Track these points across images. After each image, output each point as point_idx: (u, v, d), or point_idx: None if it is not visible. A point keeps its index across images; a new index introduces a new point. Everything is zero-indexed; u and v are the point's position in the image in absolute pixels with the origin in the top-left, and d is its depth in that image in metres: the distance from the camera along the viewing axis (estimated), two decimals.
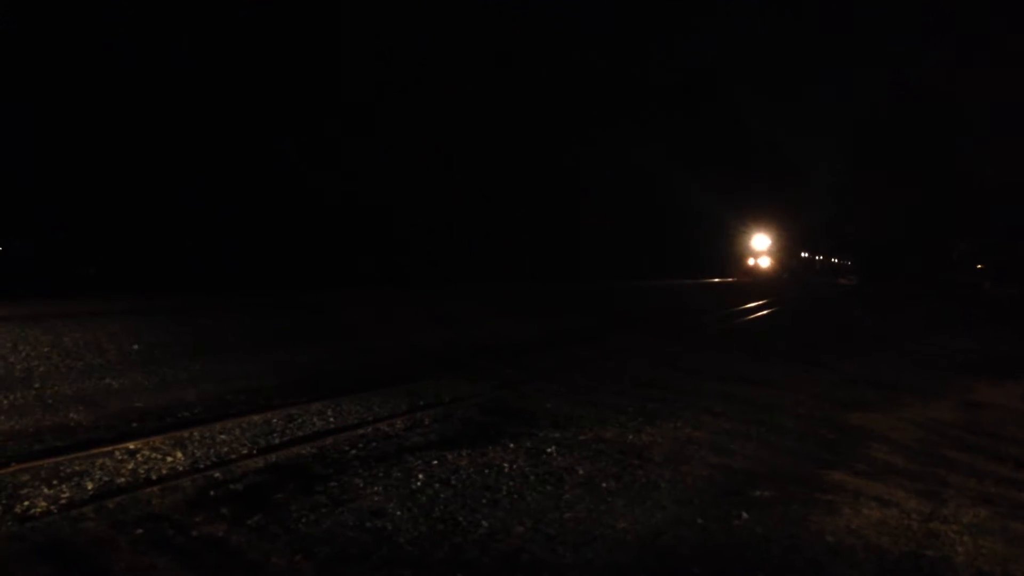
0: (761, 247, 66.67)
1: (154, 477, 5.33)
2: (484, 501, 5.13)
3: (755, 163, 62.87)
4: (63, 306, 12.42)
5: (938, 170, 57.36)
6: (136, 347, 9.86)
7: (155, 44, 21.73)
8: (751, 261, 65.61)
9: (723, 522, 4.99)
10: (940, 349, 16.35)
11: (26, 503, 4.72)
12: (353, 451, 6.14)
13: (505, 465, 5.95)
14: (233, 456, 5.89)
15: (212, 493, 5.04)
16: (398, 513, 4.82)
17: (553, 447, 6.52)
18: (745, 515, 5.13)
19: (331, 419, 7.18)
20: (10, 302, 12.41)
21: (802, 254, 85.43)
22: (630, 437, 7.00)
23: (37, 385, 7.90)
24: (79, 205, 21.48)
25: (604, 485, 5.60)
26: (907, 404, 9.62)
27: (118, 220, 21.91)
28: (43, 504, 4.71)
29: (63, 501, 4.78)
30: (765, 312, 24.09)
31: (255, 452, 6.02)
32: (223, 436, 6.42)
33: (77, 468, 5.42)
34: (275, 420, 7.02)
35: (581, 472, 5.87)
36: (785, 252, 71.56)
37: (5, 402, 7.25)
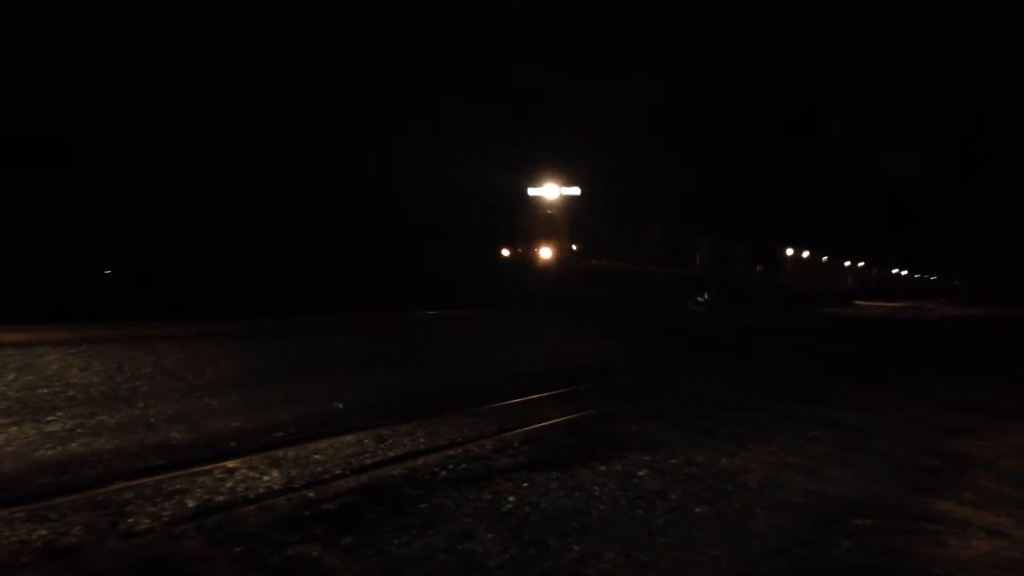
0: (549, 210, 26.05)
1: (251, 496, 5.44)
2: (575, 525, 5.07)
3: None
4: (163, 327, 12.86)
5: None
6: (233, 368, 10.14)
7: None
8: (506, 252, 26.53)
9: (823, 552, 4.82)
10: None
11: (130, 520, 4.87)
12: (443, 472, 6.17)
13: (595, 488, 5.88)
14: (326, 476, 5.98)
15: (306, 513, 5.12)
16: (488, 536, 4.80)
17: (644, 471, 6.42)
18: (846, 544, 4.94)
19: (421, 440, 7.23)
20: (115, 323, 12.90)
21: (788, 252, 46.68)
22: (723, 462, 6.85)
23: (141, 404, 8.18)
24: (175, 232, 22.47)
25: (697, 510, 5.48)
26: (1015, 430, 9.15)
27: (213, 246, 22.78)
28: (146, 521, 4.86)
29: (165, 518, 4.92)
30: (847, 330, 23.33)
31: (347, 472, 6.10)
32: (317, 456, 6.53)
33: (178, 486, 5.58)
34: (366, 440, 7.11)
35: (673, 497, 5.76)
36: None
37: (111, 421, 7.53)
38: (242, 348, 11.44)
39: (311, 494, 5.51)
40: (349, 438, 7.18)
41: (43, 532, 4.60)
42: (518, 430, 7.73)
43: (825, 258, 57.16)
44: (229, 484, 5.69)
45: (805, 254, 50.76)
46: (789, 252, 47.23)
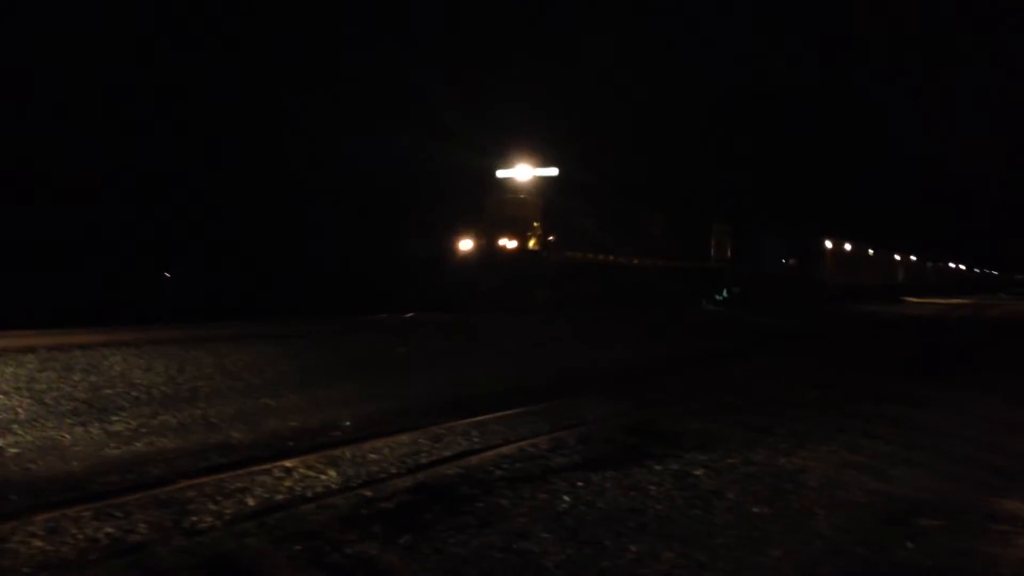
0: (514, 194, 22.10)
1: (310, 495, 5.51)
2: (631, 525, 5.04)
3: None
4: (223, 329, 13.11)
5: None
6: (289, 368, 10.29)
7: None
8: (464, 245, 21.63)
9: (886, 552, 4.73)
10: None
11: (193, 518, 4.96)
12: (498, 471, 6.18)
13: (652, 488, 5.84)
14: (383, 475, 6.03)
15: (364, 511, 5.17)
16: (545, 535, 4.80)
17: (701, 470, 6.36)
18: (910, 545, 4.84)
19: (476, 439, 7.26)
20: (177, 325, 13.20)
21: (828, 243, 42.19)
22: (781, 460, 6.75)
23: (202, 404, 8.34)
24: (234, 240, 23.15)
25: (756, 510, 5.41)
26: None
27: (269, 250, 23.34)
28: (209, 519, 4.94)
29: (227, 517, 5.01)
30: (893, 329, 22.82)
31: (404, 471, 6.15)
32: (373, 455, 6.58)
33: (239, 485, 5.67)
34: (422, 440, 7.15)
35: (731, 496, 5.69)
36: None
37: (173, 421, 7.69)
38: (293, 349, 11.63)
39: (368, 493, 5.56)
40: (404, 437, 7.23)
41: (109, 530, 4.71)
42: (571, 429, 7.71)
43: (872, 251, 53.24)
44: (288, 483, 5.77)
45: (847, 247, 46.86)
46: (828, 245, 43.24)
